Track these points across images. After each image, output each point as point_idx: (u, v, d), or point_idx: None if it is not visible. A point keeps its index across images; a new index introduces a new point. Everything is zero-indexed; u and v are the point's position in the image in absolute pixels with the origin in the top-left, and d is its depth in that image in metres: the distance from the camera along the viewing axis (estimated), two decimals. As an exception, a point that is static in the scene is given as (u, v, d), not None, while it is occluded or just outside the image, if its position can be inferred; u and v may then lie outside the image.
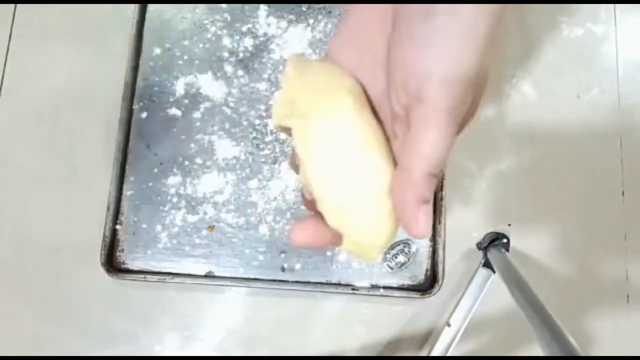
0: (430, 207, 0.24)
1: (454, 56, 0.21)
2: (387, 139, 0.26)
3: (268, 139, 0.57)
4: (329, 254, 0.55)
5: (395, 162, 0.25)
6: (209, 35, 0.58)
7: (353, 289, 0.54)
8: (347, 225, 0.25)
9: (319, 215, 0.26)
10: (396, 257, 0.55)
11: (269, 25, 0.59)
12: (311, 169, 0.25)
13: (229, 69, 0.58)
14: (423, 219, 0.23)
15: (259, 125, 0.57)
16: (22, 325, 0.55)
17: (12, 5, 0.61)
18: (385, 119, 0.26)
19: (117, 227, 0.55)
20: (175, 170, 0.56)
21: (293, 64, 0.26)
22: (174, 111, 0.57)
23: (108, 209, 0.54)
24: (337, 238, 0.27)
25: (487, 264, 0.55)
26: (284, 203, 0.56)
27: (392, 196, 0.24)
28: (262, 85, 0.57)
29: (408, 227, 0.24)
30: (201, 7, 0.59)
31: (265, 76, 0.58)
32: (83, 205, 0.57)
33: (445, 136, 0.22)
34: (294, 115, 0.25)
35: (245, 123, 0.57)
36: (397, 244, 0.55)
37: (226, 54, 0.58)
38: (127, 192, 0.56)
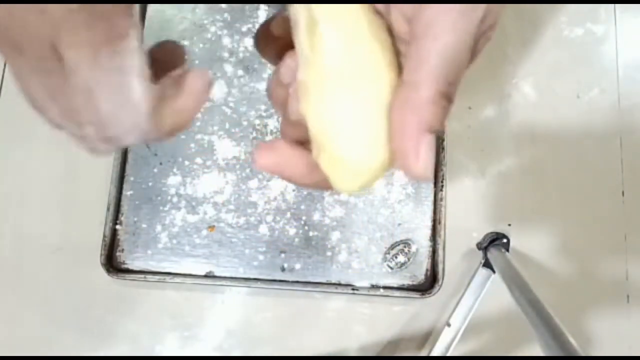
0: (434, 140, 0.19)
1: None
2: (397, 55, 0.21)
3: (268, 138, 0.57)
4: (329, 254, 0.55)
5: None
6: (209, 35, 0.58)
7: (353, 289, 0.54)
8: (332, 133, 0.20)
9: (294, 143, 0.22)
10: (396, 257, 0.55)
11: (269, 25, 0.59)
12: (316, 67, 0.20)
13: (229, 69, 0.58)
14: (425, 152, 0.18)
15: (258, 125, 0.57)
16: (22, 325, 0.55)
17: (12, 5, 0.61)
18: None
19: (117, 227, 0.55)
20: (175, 170, 0.56)
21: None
22: (174, 111, 0.57)
23: (108, 209, 0.54)
24: (311, 171, 0.21)
25: (487, 264, 0.55)
26: (284, 203, 0.56)
27: (390, 118, 0.19)
28: (262, 85, 0.57)
29: (404, 160, 0.19)
30: (201, 7, 0.59)
31: (265, 76, 0.58)
32: (83, 205, 0.57)
33: (459, 42, 0.18)
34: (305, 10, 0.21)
35: (245, 123, 0.57)
36: (397, 244, 0.55)
37: (226, 54, 0.58)
38: (127, 192, 0.56)
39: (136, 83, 0.18)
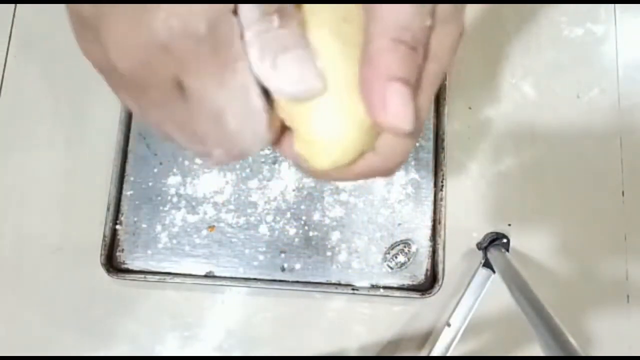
0: (406, 89, 0.18)
1: None
2: None
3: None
4: (329, 254, 0.55)
5: None
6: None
7: (353, 289, 0.54)
8: (298, 115, 0.21)
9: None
10: (396, 257, 0.55)
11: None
12: None
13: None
14: (393, 101, 0.18)
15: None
16: (22, 325, 0.55)
17: (12, 6, 0.61)
18: None
19: (117, 227, 0.55)
20: (175, 170, 0.56)
21: None
22: (174, 111, 0.57)
23: (108, 209, 0.54)
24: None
25: (487, 264, 0.55)
26: (284, 203, 0.56)
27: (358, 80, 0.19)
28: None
29: (373, 114, 0.18)
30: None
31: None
32: (83, 205, 0.57)
33: None
34: None
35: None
36: (397, 244, 0.55)
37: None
38: (127, 192, 0.56)
39: (255, 95, 0.19)
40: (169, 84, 0.18)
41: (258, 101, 0.19)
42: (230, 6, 0.17)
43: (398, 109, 0.18)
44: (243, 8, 0.18)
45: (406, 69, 0.18)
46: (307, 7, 0.20)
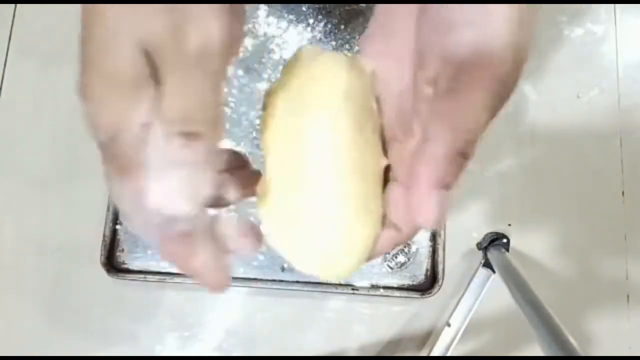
0: (447, 196, 0.19)
1: None
2: (384, 142, 0.22)
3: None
4: (329, 254, 0.55)
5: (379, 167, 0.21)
6: (209, 35, 0.58)
7: (353, 289, 0.54)
8: (306, 229, 0.20)
9: None
10: (396, 257, 0.55)
11: (269, 25, 0.59)
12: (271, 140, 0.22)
13: (229, 69, 0.58)
14: (433, 206, 0.19)
15: (259, 125, 0.57)
16: (22, 325, 0.55)
17: (12, 5, 0.61)
18: (400, 113, 0.21)
19: (117, 227, 0.55)
20: (175, 170, 0.56)
21: (305, 53, 0.22)
22: (174, 111, 0.57)
23: (108, 209, 0.54)
24: None
25: (487, 264, 0.55)
26: (284, 203, 0.56)
27: (394, 175, 0.20)
28: (262, 85, 0.57)
29: (414, 212, 0.19)
30: (201, 7, 0.59)
31: (265, 76, 0.58)
32: (83, 205, 0.57)
33: (491, 101, 0.17)
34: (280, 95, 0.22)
35: (245, 123, 0.57)
36: (397, 244, 0.55)
37: (226, 54, 0.58)
38: (127, 192, 0.56)
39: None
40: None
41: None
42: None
43: (434, 213, 0.19)
44: None
45: (454, 178, 0.19)
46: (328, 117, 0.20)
